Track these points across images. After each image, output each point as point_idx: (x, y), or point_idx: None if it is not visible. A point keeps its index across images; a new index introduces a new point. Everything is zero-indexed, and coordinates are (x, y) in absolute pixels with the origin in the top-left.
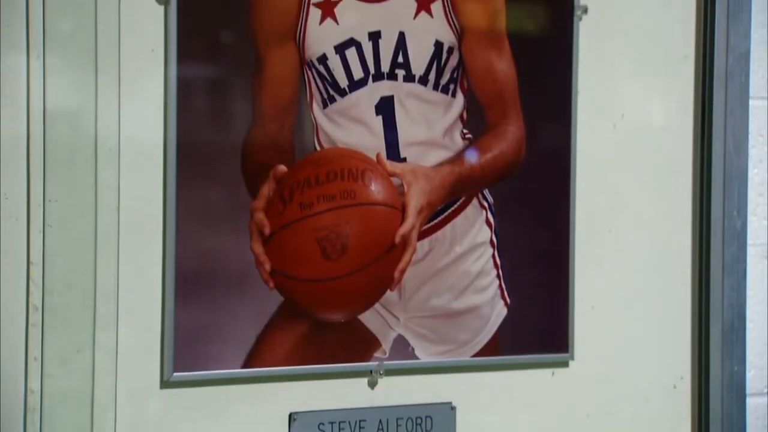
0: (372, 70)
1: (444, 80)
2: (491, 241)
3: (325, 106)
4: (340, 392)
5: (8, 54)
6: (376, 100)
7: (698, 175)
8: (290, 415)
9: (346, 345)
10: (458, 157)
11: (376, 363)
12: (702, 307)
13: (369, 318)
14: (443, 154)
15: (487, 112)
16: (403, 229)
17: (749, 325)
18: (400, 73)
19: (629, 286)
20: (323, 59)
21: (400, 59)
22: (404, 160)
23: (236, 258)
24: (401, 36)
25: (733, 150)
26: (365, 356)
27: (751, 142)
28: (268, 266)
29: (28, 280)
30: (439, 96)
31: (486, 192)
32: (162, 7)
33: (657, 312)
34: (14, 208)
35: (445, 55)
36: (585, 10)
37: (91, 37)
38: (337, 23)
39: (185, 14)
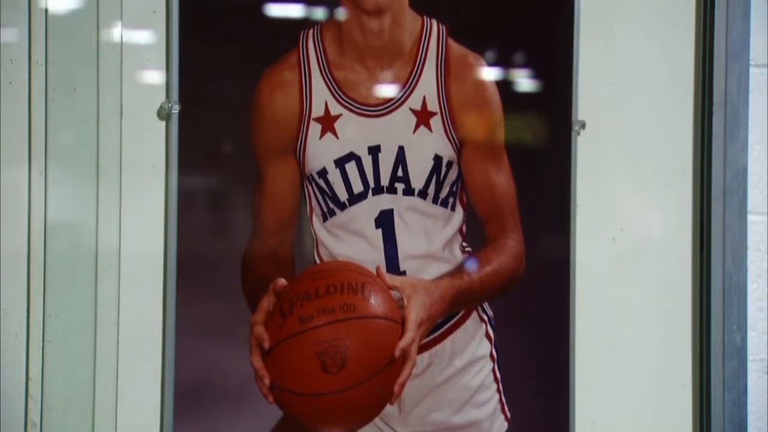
0: (372, 184)
1: (443, 194)
2: (491, 355)
3: (324, 219)
4: None
5: (10, 168)
6: (376, 213)
7: (698, 290)
8: None
9: None
10: (458, 270)
11: None
12: (703, 422)
13: None
14: (443, 268)
15: (486, 225)
16: (403, 343)
17: None
18: (400, 186)
19: (630, 401)
20: (323, 173)
21: (400, 173)
22: (404, 273)
23: (235, 372)
24: (401, 150)
25: (732, 265)
26: None
27: (750, 257)
28: (267, 380)
29: (27, 397)
30: (438, 209)
31: (485, 305)
32: (163, 122)
33: (658, 427)
34: (14, 324)
35: (444, 169)
36: (583, 125)
37: (93, 152)
38: (337, 137)
39: (186, 129)
